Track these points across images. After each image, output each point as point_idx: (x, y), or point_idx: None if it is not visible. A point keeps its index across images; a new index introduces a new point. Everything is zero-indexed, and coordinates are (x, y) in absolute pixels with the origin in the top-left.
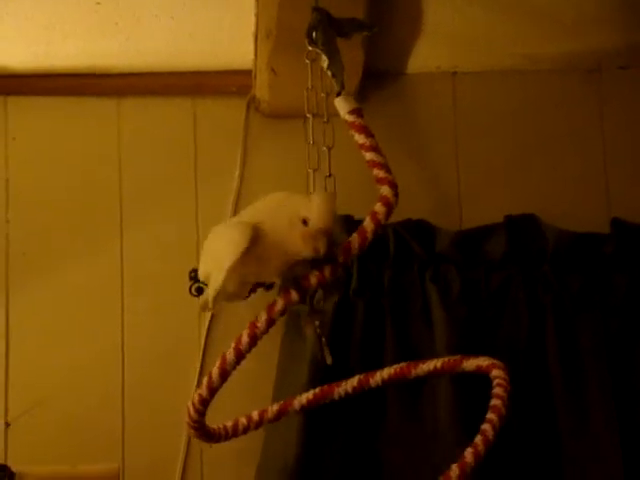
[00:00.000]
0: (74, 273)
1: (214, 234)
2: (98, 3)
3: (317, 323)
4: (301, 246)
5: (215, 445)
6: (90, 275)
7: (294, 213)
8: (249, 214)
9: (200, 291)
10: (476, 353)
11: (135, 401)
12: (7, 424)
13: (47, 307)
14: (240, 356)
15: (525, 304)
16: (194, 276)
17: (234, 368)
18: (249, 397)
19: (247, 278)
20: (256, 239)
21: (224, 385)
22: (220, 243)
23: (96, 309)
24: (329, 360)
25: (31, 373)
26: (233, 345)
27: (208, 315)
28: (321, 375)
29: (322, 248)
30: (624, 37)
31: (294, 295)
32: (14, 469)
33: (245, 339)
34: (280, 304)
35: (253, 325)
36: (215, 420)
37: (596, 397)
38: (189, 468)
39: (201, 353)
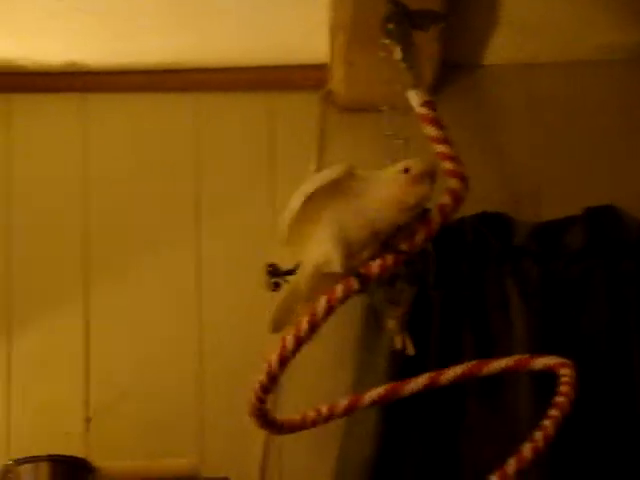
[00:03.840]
0: (152, 270)
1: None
2: None
3: (398, 315)
4: (403, 194)
5: (295, 438)
6: (168, 273)
7: (395, 169)
8: None
9: (277, 285)
10: (555, 346)
11: (213, 395)
12: (88, 419)
13: (126, 303)
14: (300, 343)
15: (606, 297)
16: (271, 270)
17: (294, 355)
18: (329, 391)
19: (345, 231)
20: (354, 181)
21: (304, 379)
22: (311, 179)
23: (174, 305)
24: (411, 351)
25: (110, 369)
26: (292, 332)
27: None
28: (400, 368)
29: (427, 191)
30: None
31: (355, 283)
32: (95, 464)
33: (304, 326)
34: (340, 292)
35: (313, 312)
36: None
37: None
38: (268, 461)
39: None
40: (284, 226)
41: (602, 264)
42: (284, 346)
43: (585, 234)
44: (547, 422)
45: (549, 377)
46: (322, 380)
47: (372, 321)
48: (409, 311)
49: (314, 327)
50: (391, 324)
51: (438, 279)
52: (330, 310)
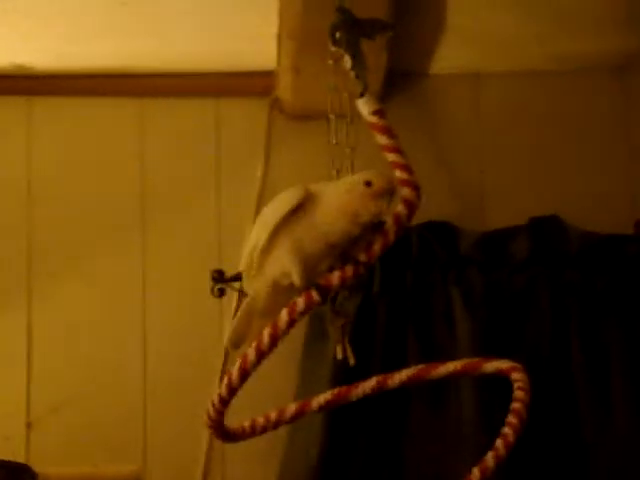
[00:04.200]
0: (96, 273)
1: (264, 208)
2: (123, 4)
3: (340, 324)
4: (361, 207)
5: (237, 445)
6: (112, 276)
7: (354, 181)
8: None
9: (222, 292)
10: (499, 355)
11: (157, 401)
12: (29, 424)
13: (69, 307)
14: (261, 356)
15: (549, 305)
16: (216, 277)
17: (254, 368)
18: (271, 398)
19: (300, 243)
20: (309, 201)
21: (246, 386)
22: (270, 206)
23: (118, 310)
24: (352, 361)
25: (53, 374)
26: (254, 345)
27: (230, 315)
28: (344, 376)
29: (384, 208)
30: None
31: (315, 296)
32: (36, 469)
33: (266, 339)
34: (301, 304)
35: (274, 325)
36: (237, 421)
37: (620, 398)
38: (211, 468)
39: (223, 353)
40: (253, 259)
41: (546, 273)
42: (245, 359)
43: (529, 244)
44: (506, 429)
45: (492, 380)
46: (267, 388)
47: (317, 329)
48: (352, 320)
49: (275, 340)
50: (333, 333)
51: (383, 287)
52: (292, 323)
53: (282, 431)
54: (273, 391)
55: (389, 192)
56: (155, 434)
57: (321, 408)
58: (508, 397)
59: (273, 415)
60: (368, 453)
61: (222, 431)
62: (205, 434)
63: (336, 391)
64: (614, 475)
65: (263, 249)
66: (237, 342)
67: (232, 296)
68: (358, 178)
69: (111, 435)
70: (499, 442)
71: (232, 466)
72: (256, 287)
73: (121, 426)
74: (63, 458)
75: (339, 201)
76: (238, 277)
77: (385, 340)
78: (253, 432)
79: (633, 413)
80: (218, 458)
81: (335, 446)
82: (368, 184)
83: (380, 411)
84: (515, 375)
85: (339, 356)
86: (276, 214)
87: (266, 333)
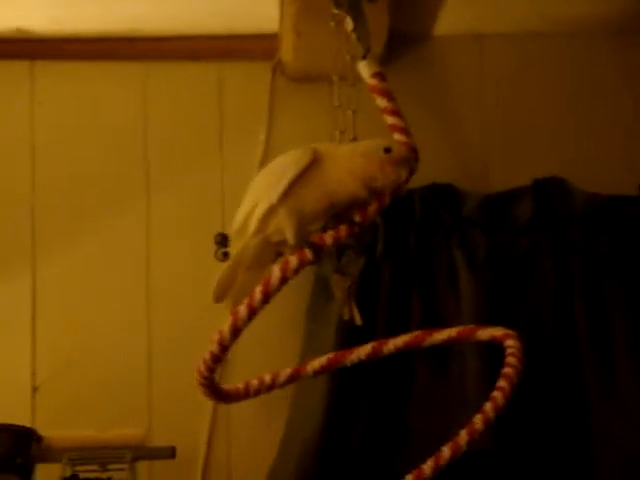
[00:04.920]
0: (100, 238)
1: (266, 168)
2: None
3: (347, 285)
4: (381, 173)
5: (242, 409)
6: (116, 240)
7: (372, 145)
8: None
9: (226, 255)
10: (503, 317)
11: (162, 365)
12: (34, 388)
13: (73, 272)
14: (252, 313)
15: (552, 267)
16: (220, 240)
17: (246, 325)
18: (277, 360)
19: (301, 203)
20: (315, 161)
21: (252, 349)
22: (275, 167)
23: (122, 274)
24: (358, 321)
25: (58, 338)
26: (246, 302)
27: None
28: (348, 338)
29: (401, 177)
30: None
31: (308, 254)
32: (41, 433)
33: (258, 296)
34: (294, 262)
35: (266, 282)
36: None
37: (624, 360)
38: (216, 431)
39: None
40: (250, 219)
41: (549, 235)
42: (237, 316)
43: (533, 206)
44: (496, 393)
45: (496, 346)
46: (272, 350)
47: (322, 291)
48: (357, 281)
49: (267, 297)
50: (339, 294)
51: (387, 250)
52: (284, 281)
53: (287, 395)
54: (279, 353)
55: (408, 160)
56: (160, 398)
57: (316, 373)
58: None
59: (267, 378)
60: (372, 418)
61: (213, 389)
62: None
63: (332, 356)
64: (618, 434)
65: (271, 209)
66: (220, 295)
67: None
68: (377, 143)
69: (116, 399)
70: (488, 405)
71: (237, 429)
72: (246, 242)
73: (126, 390)
74: (68, 422)
75: (351, 164)
76: None
77: (389, 302)
78: (247, 394)
79: (636, 373)
80: (223, 421)
81: (339, 411)
82: (387, 150)
83: (384, 376)
84: (508, 342)
85: (346, 317)
86: (285, 176)
87: (258, 290)
